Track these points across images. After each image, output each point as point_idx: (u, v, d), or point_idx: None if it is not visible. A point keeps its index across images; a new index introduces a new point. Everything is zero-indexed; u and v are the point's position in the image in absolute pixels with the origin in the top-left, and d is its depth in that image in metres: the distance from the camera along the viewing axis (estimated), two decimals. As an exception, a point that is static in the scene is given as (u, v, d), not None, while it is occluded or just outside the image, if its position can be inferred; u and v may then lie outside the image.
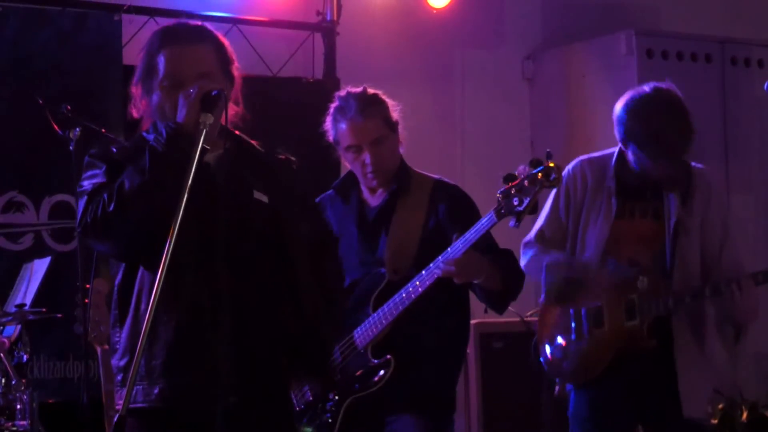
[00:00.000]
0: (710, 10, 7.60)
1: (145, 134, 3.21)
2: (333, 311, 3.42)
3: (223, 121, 3.17)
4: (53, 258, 5.16)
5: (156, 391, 3.12)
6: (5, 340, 4.76)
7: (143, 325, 2.89)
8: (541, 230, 4.40)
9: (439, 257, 3.96)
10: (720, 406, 6.51)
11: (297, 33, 6.65)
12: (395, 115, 4.16)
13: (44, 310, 4.74)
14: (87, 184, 3.17)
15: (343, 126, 4.11)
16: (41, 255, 5.36)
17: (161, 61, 3.18)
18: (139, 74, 3.25)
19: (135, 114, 3.28)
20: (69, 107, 4.99)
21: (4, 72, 5.69)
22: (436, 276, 3.96)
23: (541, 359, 4.42)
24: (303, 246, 3.27)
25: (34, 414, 4.63)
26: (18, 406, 4.63)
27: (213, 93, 3.07)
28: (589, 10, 7.51)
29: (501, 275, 4.07)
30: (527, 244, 4.43)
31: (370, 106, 4.10)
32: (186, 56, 3.17)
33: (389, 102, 4.16)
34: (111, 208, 3.03)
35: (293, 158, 3.44)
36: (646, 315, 4.19)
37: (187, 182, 2.92)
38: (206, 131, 3.00)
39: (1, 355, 4.68)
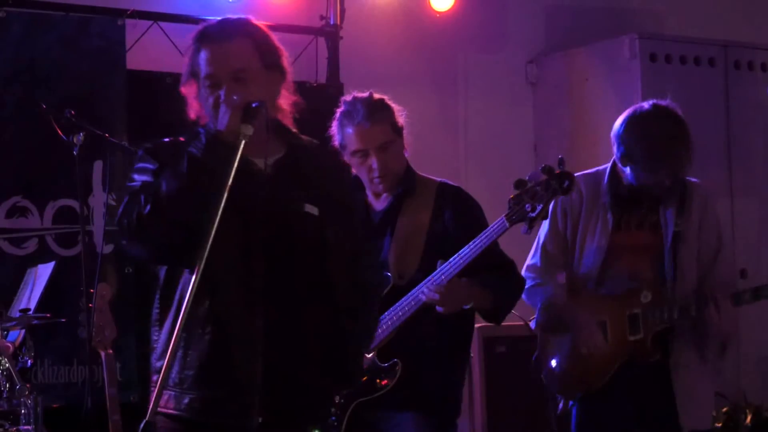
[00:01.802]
0: (713, 14, 7.60)
1: (201, 130, 3.18)
2: (368, 322, 3.39)
3: (282, 117, 3.22)
4: (57, 263, 5.15)
5: (186, 401, 3.13)
6: (9, 345, 4.75)
7: (181, 331, 2.94)
8: (543, 246, 4.41)
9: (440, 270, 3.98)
10: (724, 409, 6.51)
11: (300, 37, 6.64)
12: (401, 120, 4.17)
13: (48, 314, 4.74)
14: (138, 178, 3.17)
15: (349, 131, 4.12)
16: (45, 260, 5.35)
17: (200, 61, 3.17)
18: (185, 75, 3.23)
19: (192, 115, 3.26)
20: (72, 112, 4.99)
21: (7, 77, 5.69)
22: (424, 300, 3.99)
23: (543, 374, 4.42)
24: (344, 255, 3.24)
25: (38, 418, 4.62)
26: (22, 411, 4.61)
27: (254, 105, 3.06)
28: (592, 14, 7.51)
29: (492, 298, 4.08)
30: (531, 269, 4.44)
31: (377, 112, 4.11)
32: (220, 55, 3.15)
33: (395, 107, 4.17)
34: (146, 211, 3.03)
35: (346, 162, 3.42)
36: (651, 328, 4.19)
37: (224, 192, 2.93)
38: (245, 142, 3.00)
39: (6, 359, 4.67)
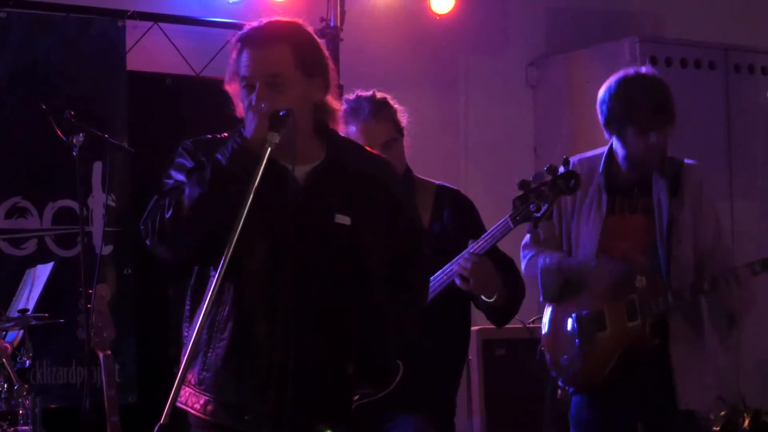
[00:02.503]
0: (714, 17, 7.60)
1: (242, 130, 3.14)
2: (407, 328, 3.35)
3: (310, 129, 3.19)
4: (56, 263, 5.16)
5: (202, 401, 3.15)
6: (8, 345, 4.75)
7: (204, 331, 3.01)
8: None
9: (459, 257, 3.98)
10: (722, 412, 6.51)
11: (301, 39, 6.63)
12: (403, 120, 4.19)
13: (47, 315, 4.74)
14: (174, 175, 3.17)
15: (353, 128, 4.12)
16: (44, 260, 5.36)
17: (240, 63, 3.16)
18: (229, 74, 3.22)
19: (238, 114, 3.23)
20: (72, 113, 4.99)
21: (8, 78, 5.69)
22: (453, 276, 3.97)
23: (549, 366, 4.42)
24: (379, 260, 3.23)
25: (36, 419, 4.63)
26: (20, 412, 4.62)
27: (281, 113, 3.05)
28: (593, 17, 7.51)
29: (507, 294, 4.07)
30: (525, 246, 4.46)
31: (381, 110, 4.12)
32: (256, 59, 3.13)
33: (398, 107, 4.19)
34: (168, 216, 3.04)
35: (390, 164, 3.42)
36: (648, 314, 4.20)
37: (248, 201, 2.93)
38: (270, 149, 2.99)
39: (4, 360, 4.67)
